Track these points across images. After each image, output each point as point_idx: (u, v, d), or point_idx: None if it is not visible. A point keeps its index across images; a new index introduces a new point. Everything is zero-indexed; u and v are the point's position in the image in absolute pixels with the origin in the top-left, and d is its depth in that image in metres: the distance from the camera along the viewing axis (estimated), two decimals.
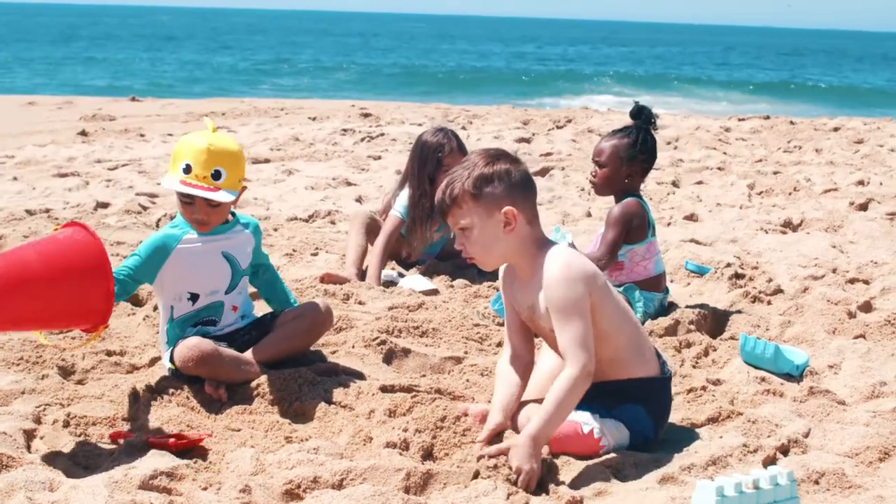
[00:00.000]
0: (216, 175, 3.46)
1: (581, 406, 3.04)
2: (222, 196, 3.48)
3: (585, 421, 3.01)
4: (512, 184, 2.98)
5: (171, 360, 3.53)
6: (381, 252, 5.22)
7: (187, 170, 3.46)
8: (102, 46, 46.48)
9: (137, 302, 4.62)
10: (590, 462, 2.92)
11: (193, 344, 3.45)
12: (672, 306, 4.65)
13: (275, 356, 3.63)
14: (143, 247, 3.55)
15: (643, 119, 4.58)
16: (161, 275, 3.56)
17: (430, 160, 5.28)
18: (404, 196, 5.36)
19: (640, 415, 3.06)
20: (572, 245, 4.77)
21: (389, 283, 5.14)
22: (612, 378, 3.05)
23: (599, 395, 3.04)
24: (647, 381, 3.09)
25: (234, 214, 3.72)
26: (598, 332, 2.94)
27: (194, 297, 3.61)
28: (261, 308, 4.06)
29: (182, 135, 12.71)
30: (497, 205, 2.96)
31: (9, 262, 2.91)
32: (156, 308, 4.45)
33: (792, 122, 14.06)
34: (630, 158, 4.52)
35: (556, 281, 2.93)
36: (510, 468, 2.79)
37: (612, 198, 4.62)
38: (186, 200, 3.52)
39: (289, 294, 4.01)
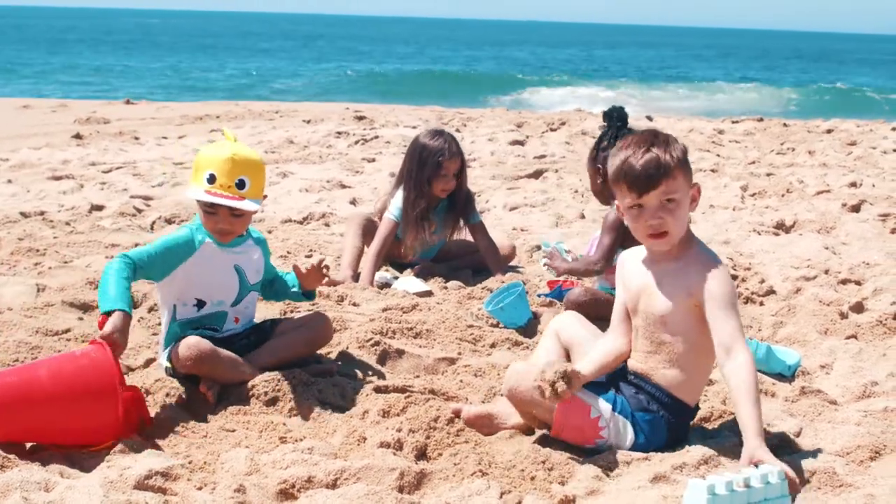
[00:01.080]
0: (241, 184, 3.43)
1: (613, 391, 3.04)
2: (248, 205, 3.44)
3: (595, 405, 3.00)
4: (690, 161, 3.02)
5: (169, 358, 3.53)
6: (375, 255, 5.22)
7: (211, 179, 3.42)
8: (89, 53, 46.33)
9: (132, 304, 4.60)
10: (582, 460, 2.94)
11: (192, 343, 3.45)
12: None
13: (273, 364, 3.61)
14: (170, 238, 3.49)
15: (613, 120, 4.60)
16: (174, 273, 3.52)
17: (429, 163, 5.27)
18: (399, 198, 5.36)
19: (660, 429, 3.02)
20: (568, 252, 4.81)
21: (384, 285, 5.15)
22: (665, 386, 3.01)
23: (638, 390, 3.03)
24: (685, 406, 3.06)
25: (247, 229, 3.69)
26: (707, 343, 2.93)
27: (200, 304, 3.60)
28: (261, 312, 4.06)
29: (178, 138, 12.60)
30: (691, 180, 2.98)
31: (21, 380, 2.97)
32: (150, 310, 4.46)
33: (785, 125, 14.11)
34: (597, 160, 4.54)
35: (721, 272, 2.93)
36: None
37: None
38: (210, 210, 3.48)
39: (291, 278, 3.91)
